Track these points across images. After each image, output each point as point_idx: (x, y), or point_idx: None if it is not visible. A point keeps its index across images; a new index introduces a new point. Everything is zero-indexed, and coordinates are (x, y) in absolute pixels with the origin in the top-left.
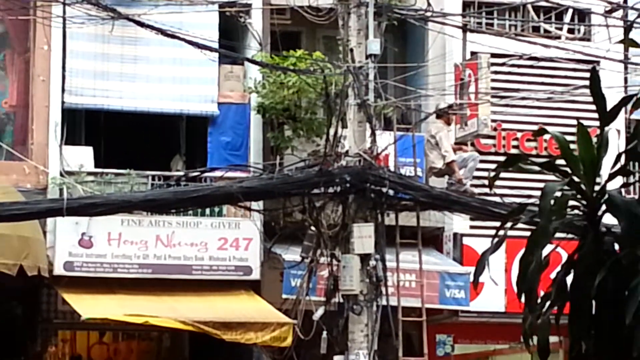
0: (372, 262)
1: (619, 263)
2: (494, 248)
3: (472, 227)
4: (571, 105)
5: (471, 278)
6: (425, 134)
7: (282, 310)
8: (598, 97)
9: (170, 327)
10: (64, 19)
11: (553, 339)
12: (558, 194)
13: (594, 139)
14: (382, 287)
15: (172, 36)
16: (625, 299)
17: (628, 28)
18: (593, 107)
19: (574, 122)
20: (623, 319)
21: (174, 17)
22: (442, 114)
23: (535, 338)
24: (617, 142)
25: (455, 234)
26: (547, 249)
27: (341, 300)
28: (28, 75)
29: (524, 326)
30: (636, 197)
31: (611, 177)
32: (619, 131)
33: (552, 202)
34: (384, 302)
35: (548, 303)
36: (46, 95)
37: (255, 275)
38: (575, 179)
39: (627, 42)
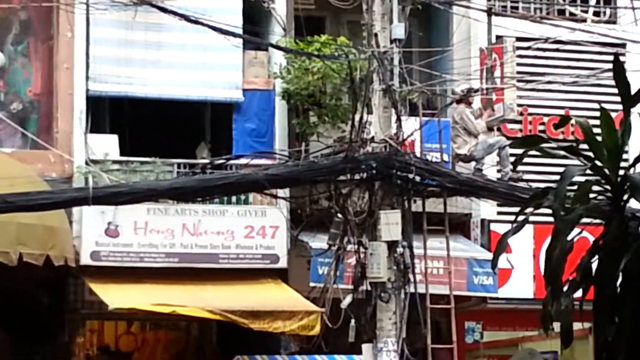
0: (400, 249)
1: None
2: (514, 230)
3: (499, 213)
4: (597, 89)
5: (498, 264)
6: (450, 120)
7: (309, 299)
8: (621, 83)
9: (198, 317)
10: (87, 6)
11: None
12: (581, 179)
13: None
14: (409, 274)
15: (196, 22)
16: None
17: None
18: None
19: (602, 105)
20: None
21: (197, 3)
22: (462, 98)
23: (557, 324)
24: None
25: (482, 220)
26: (574, 234)
27: (369, 288)
28: (52, 63)
29: (544, 312)
30: None
31: (635, 161)
32: None
33: (573, 187)
34: (412, 290)
35: (570, 289)
36: (70, 83)
37: (283, 263)
38: (599, 164)
39: None
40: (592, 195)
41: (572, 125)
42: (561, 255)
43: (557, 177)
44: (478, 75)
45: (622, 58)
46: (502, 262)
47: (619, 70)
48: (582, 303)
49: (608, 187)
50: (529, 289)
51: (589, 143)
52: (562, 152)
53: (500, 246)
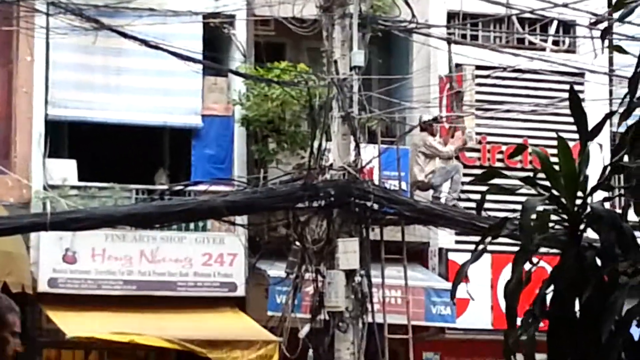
0: (358, 278)
1: (600, 278)
2: (473, 260)
3: (457, 242)
4: (556, 118)
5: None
6: (410, 147)
7: (267, 328)
8: (578, 113)
9: (157, 346)
10: (47, 30)
11: (541, 356)
12: (540, 209)
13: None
14: (367, 303)
15: (156, 47)
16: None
17: (608, 36)
18: None
19: (559, 134)
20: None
21: (157, 28)
22: (427, 127)
23: (518, 356)
24: (600, 155)
25: (440, 249)
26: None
27: (327, 317)
28: (11, 87)
29: (506, 344)
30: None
31: (592, 191)
32: (601, 145)
33: (533, 217)
34: (370, 319)
35: (527, 319)
36: (29, 107)
37: (240, 291)
38: (556, 193)
39: (614, 48)
40: (550, 225)
41: (530, 154)
42: (515, 287)
43: (513, 206)
44: (437, 103)
45: (580, 87)
46: (461, 292)
47: (575, 100)
48: (534, 334)
49: (565, 216)
50: (487, 319)
51: (545, 172)
52: (517, 188)
53: (458, 276)
